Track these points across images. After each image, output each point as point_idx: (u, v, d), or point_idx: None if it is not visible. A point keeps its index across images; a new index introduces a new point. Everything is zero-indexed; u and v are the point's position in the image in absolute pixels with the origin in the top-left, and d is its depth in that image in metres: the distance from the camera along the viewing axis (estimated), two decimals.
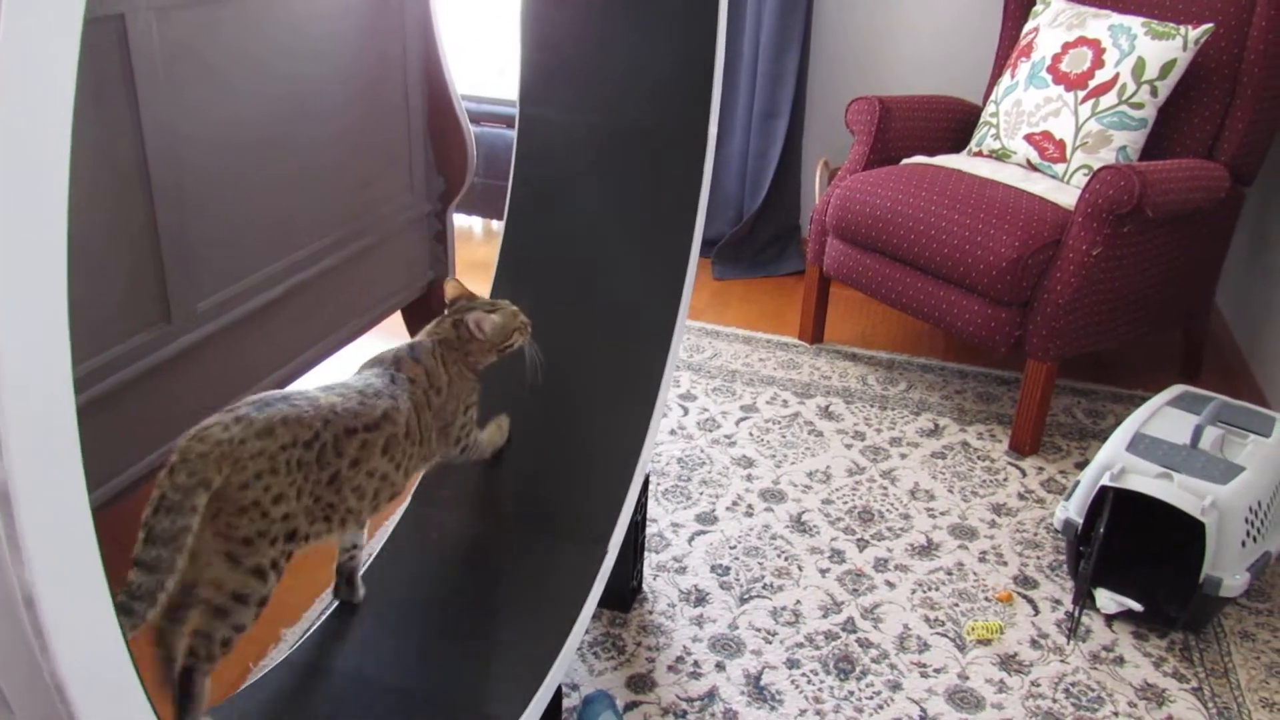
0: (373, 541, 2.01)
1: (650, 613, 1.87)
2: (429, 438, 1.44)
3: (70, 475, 0.75)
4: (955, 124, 2.89)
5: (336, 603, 1.57)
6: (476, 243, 3.74)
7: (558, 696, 1.50)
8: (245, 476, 1.15)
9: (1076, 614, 1.88)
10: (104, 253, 1.65)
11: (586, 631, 1.80)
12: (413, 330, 2.72)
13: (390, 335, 2.69)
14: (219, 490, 1.13)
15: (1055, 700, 1.70)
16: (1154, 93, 2.46)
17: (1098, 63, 2.51)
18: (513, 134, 1.87)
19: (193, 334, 1.84)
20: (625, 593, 1.85)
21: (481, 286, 1.75)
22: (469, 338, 1.50)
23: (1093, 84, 2.51)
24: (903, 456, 2.39)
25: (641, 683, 1.71)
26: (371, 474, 1.32)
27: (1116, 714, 1.68)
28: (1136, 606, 1.85)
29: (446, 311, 1.54)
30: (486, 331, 1.50)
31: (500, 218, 1.90)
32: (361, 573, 1.58)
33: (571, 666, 1.73)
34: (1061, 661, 1.79)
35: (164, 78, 1.70)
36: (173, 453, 1.14)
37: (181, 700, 1.20)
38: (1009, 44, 2.90)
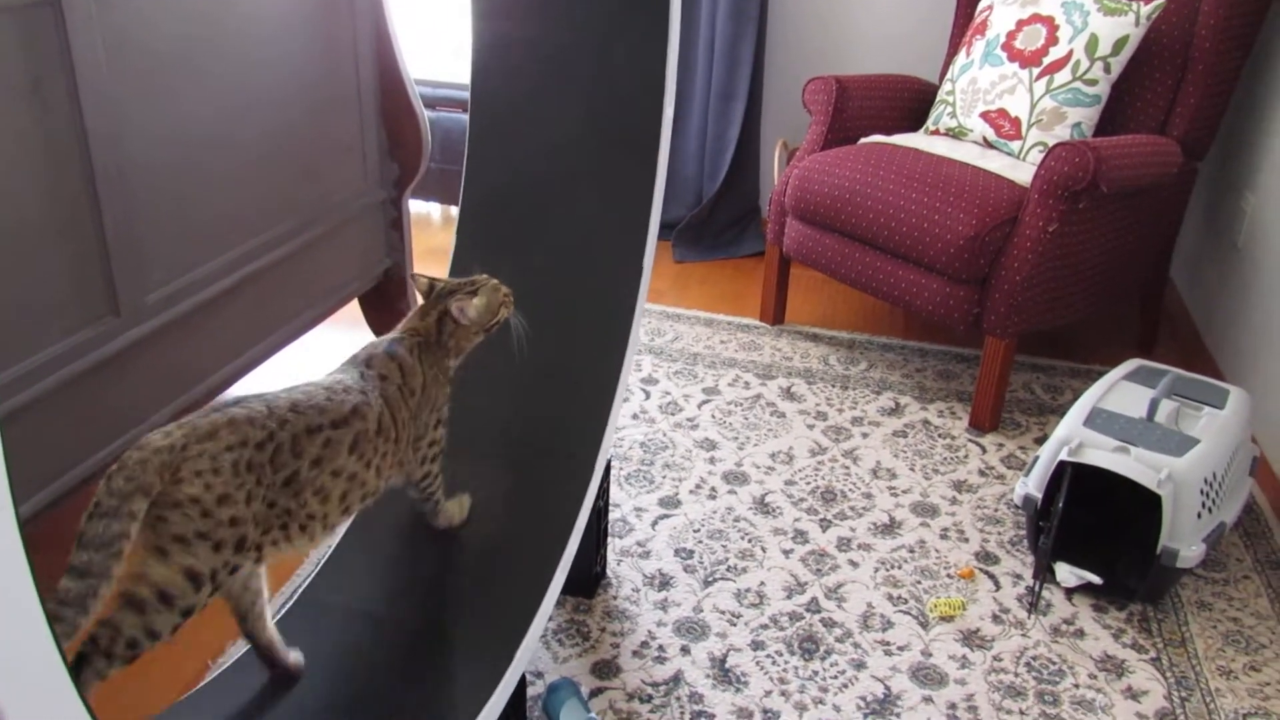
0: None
1: (614, 598, 1.86)
2: (405, 436, 1.40)
3: None
4: (912, 103, 2.89)
5: (295, 598, 1.55)
6: (435, 228, 3.70)
7: (522, 685, 1.49)
8: (183, 474, 1.11)
9: (1037, 588, 1.90)
10: (47, 246, 1.61)
11: (550, 619, 1.80)
12: (370, 319, 2.69)
13: (346, 325, 2.66)
14: (158, 493, 1.11)
15: (1017, 674, 1.72)
16: (1107, 69, 2.47)
17: (1051, 39, 2.52)
18: (468, 118, 1.85)
19: (142, 327, 1.80)
20: (589, 579, 1.85)
21: (440, 272, 1.73)
22: (453, 329, 1.47)
23: (1047, 61, 2.52)
24: (864, 436, 2.40)
25: (606, 669, 1.70)
26: (338, 474, 1.27)
27: (1077, 686, 1.70)
28: (1096, 579, 1.87)
29: (422, 304, 1.49)
30: (471, 316, 1.46)
31: (457, 203, 1.88)
32: (319, 568, 1.56)
33: (535, 654, 1.72)
34: (1023, 636, 1.81)
35: (106, 66, 1.65)
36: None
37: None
38: (964, 22, 2.91)
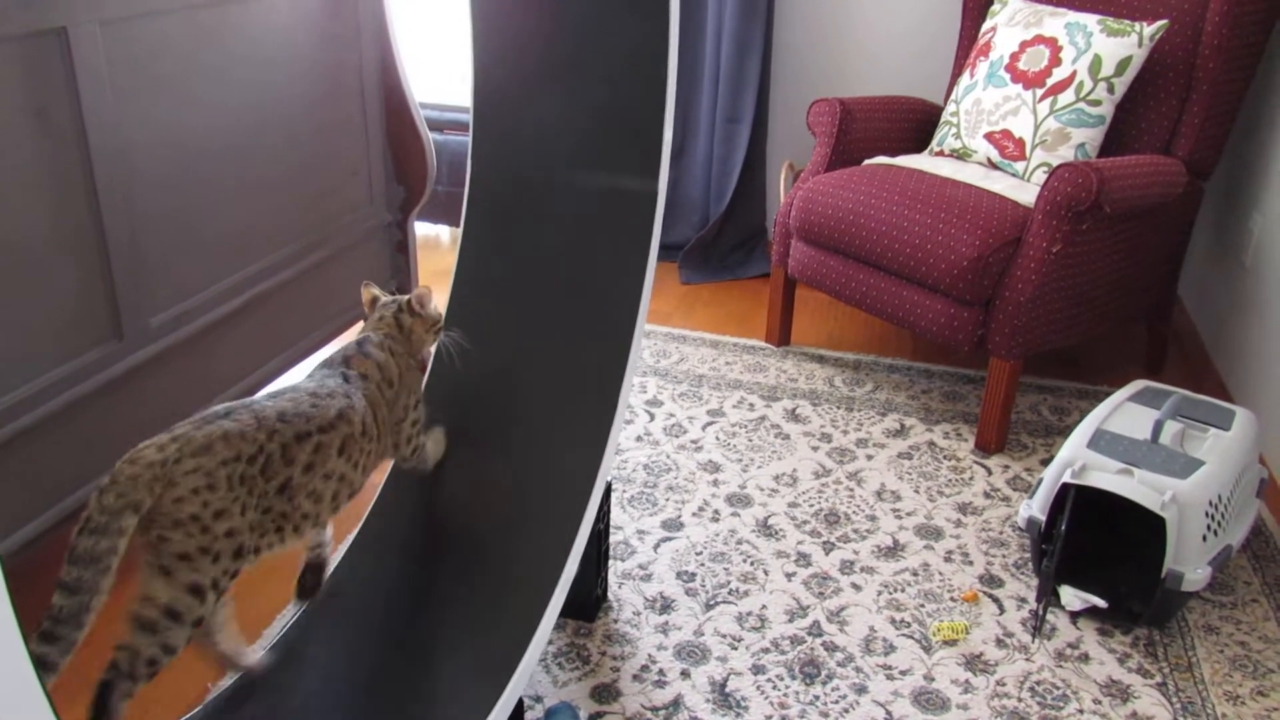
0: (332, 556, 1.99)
1: (615, 621, 1.85)
2: (385, 433, 1.43)
3: None
4: (916, 124, 2.90)
5: (292, 619, 1.55)
6: (443, 251, 3.72)
7: (520, 708, 1.48)
8: (180, 492, 1.13)
9: (1041, 612, 1.89)
10: (51, 270, 1.63)
11: (550, 642, 1.79)
12: None
13: None
14: (152, 508, 1.11)
15: (1020, 700, 1.70)
16: (1111, 89, 2.47)
17: (1055, 60, 2.52)
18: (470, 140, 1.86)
19: (146, 350, 1.81)
20: (589, 602, 1.84)
21: (442, 293, 1.74)
22: (409, 325, 1.52)
23: (1050, 82, 2.52)
24: (869, 458, 2.39)
25: (606, 693, 1.69)
26: (329, 476, 1.30)
27: (1082, 711, 1.68)
28: (1101, 603, 1.85)
29: (372, 313, 1.55)
30: (428, 307, 1.54)
31: None
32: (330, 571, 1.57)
33: (534, 678, 1.71)
34: (1027, 660, 1.79)
35: (111, 91, 1.67)
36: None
37: (95, 716, 1.16)
38: (968, 43, 2.92)
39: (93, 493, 1.11)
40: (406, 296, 1.55)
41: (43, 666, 1.03)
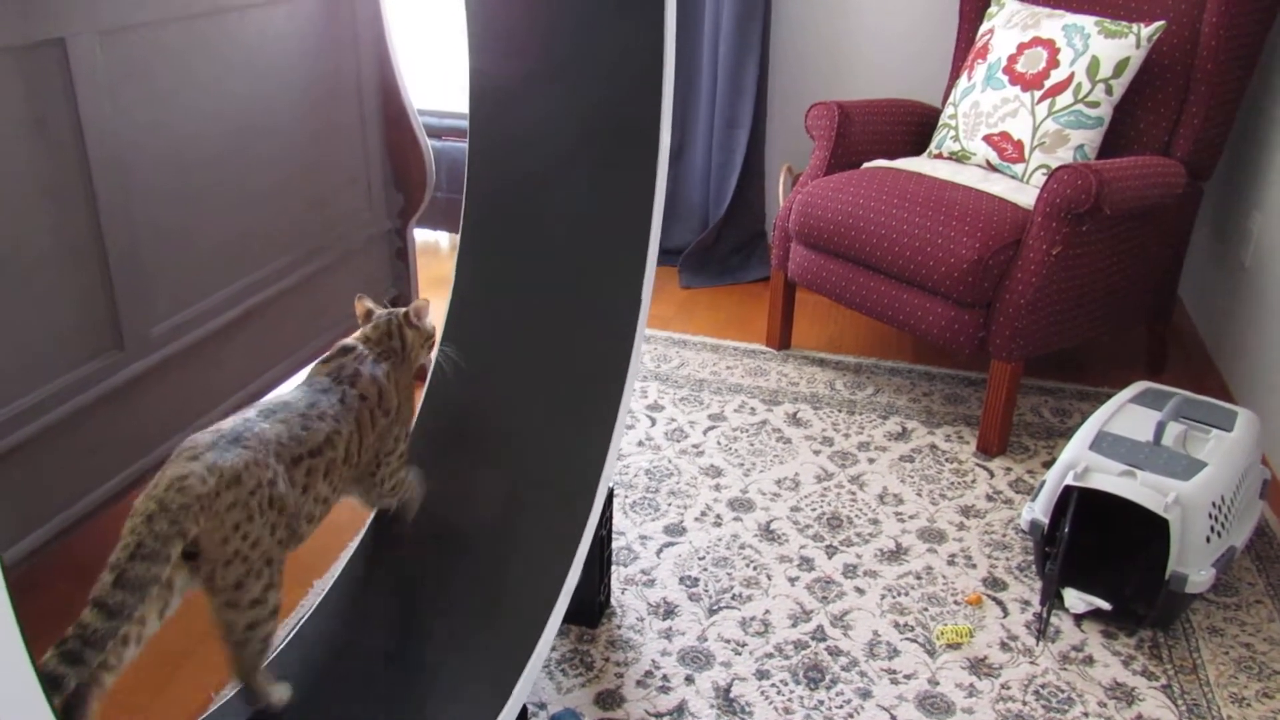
0: (333, 564, 1.98)
1: (618, 627, 1.85)
2: (363, 459, 1.44)
3: None
4: (915, 127, 2.90)
5: (296, 630, 1.55)
6: (442, 258, 3.72)
7: (524, 715, 1.48)
8: (225, 531, 1.18)
9: (1045, 614, 1.88)
10: (51, 279, 1.62)
11: (553, 648, 1.79)
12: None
13: None
14: (198, 542, 1.16)
15: (1025, 703, 1.70)
16: (1109, 91, 2.47)
17: (1053, 62, 2.52)
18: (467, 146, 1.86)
19: (146, 360, 1.81)
20: (592, 608, 1.84)
21: (441, 300, 1.74)
22: (407, 338, 1.53)
23: (1048, 84, 2.52)
24: (871, 461, 2.39)
25: (610, 699, 1.69)
26: (318, 499, 1.33)
27: (1086, 714, 1.68)
28: (1105, 605, 1.85)
29: (367, 328, 1.54)
30: (424, 320, 1.55)
31: None
32: (320, 599, 1.56)
33: (538, 684, 1.71)
34: (1031, 663, 1.79)
35: (110, 101, 1.67)
36: (146, 499, 1.14)
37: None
38: (965, 46, 2.92)
39: (137, 519, 1.13)
40: (404, 309, 1.54)
41: (54, 685, 1.03)
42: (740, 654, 1.79)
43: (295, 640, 1.56)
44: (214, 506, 1.16)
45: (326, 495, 1.35)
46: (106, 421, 1.75)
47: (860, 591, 1.95)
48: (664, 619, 1.87)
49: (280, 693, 1.38)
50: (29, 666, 0.72)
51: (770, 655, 1.79)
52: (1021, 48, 2.60)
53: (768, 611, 1.90)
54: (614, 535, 2.02)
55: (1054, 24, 2.57)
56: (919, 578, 1.99)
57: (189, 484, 1.15)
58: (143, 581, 1.09)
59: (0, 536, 1.55)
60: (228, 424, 1.26)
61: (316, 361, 1.47)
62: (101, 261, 1.71)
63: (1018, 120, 2.56)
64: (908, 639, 1.83)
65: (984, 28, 2.76)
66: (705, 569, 2.01)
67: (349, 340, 1.52)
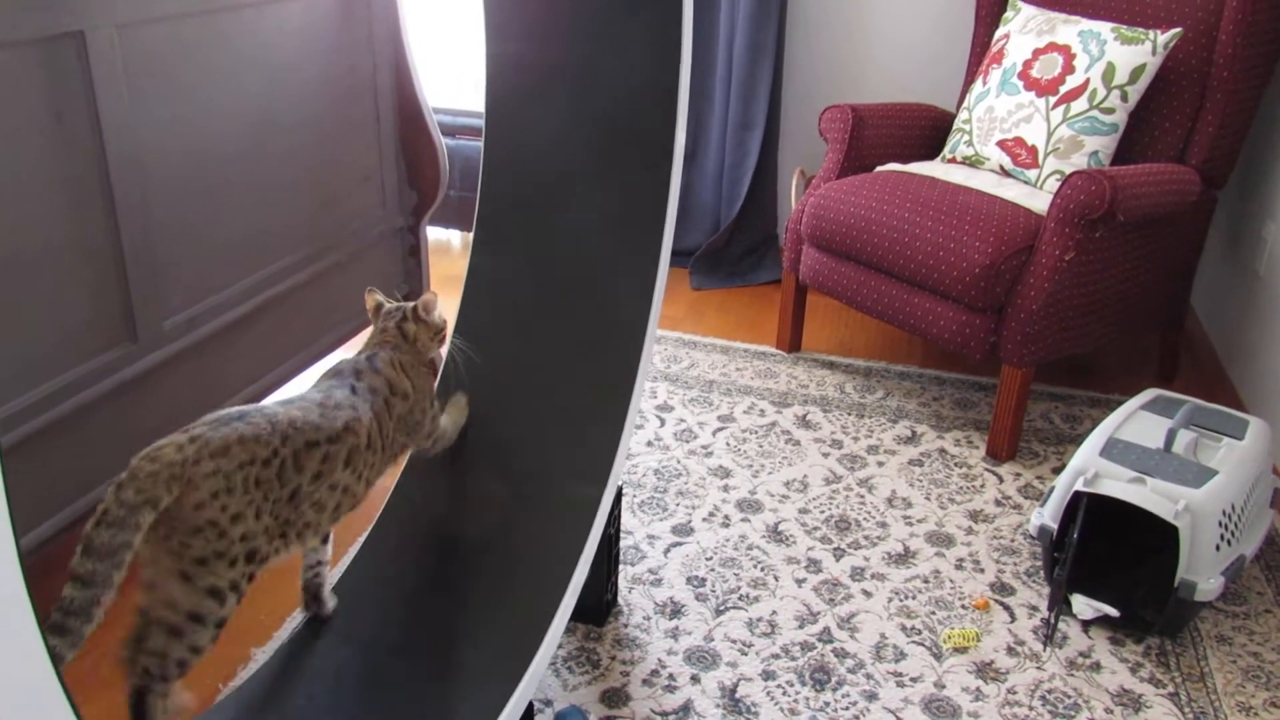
0: (341, 559, 1.99)
1: (625, 626, 1.85)
2: (390, 445, 1.44)
3: None
4: (928, 131, 2.89)
5: (301, 623, 1.55)
6: (454, 256, 3.73)
7: (529, 712, 1.48)
8: (200, 496, 1.14)
9: (1053, 620, 1.88)
10: (67, 272, 1.64)
11: (560, 646, 1.79)
12: None
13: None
14: (170, 510, 1.12)
15: (1031, 708, 1.70)
16: (1124, 98, 2.46)
17: (1068, 68, 2.52)
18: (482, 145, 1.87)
19: (160, 352, 1.82)
20: (599, 606, 1.84)
21: (453, 299, 1.74)
22: (414, 333, 1.53)
23: (1064, 89, 2.51)
24: (880, 464, 2.38)
25: (616, 697, 1.69)
26: (334, 487, 1.31)
27: None
28: (1113, 612, 1.84)
29: (377, 321, 1.55)
30: (433, 314, 1.55)
31: None
32: (329, 588, 1.57)
33: (544, 681, 1.71)
34: (1038, 668, 1.78)
35: (128, 94, 1.68)
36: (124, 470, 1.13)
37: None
38: (981, 51, 2.91)
39: (110, 487, 1.12)
40: (412, 304, 1.54)
41: (53, 660, 1.03)
42: (746, 654, 1.79)
43: (302, 634, 1.57)
44: (190, 474, 1.13)
45: (348, 484, 1.33)
46: (119, 414, 1.76)
47: (867, 594, 1.95)
48: (671, 618, 1.87)
49: None
50: (45, 654, 0.73)
51: (776, 656, 1.79)
52: (1037, 53, 2.59)
53: (774, 612, 1.90)
54: (622, 534, 2.02)
55: (1070, 30, 2.56)
56: (926, 581, 1.99)
57: (162, 452, 1.14)
58: (109, 548, 1.07)
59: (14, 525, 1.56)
60: (243, 406, 1.26)
61: (320, 376, 1.47)
62: (116, 254, 1.72)
63: (1032, 126, 2.55)
64: (914, 642, 1.83)
65: (999, 33, 2.76)
66: (712, 569, 2.01)
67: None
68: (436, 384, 1.82)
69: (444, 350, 1.74)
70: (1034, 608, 1.93)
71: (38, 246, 1.58)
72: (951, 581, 1.99)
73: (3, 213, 1.50)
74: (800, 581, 1.98)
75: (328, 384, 1.40)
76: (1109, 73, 2.46)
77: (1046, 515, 1.93)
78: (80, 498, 1.69)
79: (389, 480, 1.70)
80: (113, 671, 1.21)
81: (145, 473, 1.12)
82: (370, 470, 1.39)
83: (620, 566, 1.96)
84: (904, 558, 2.06)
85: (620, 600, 1.91)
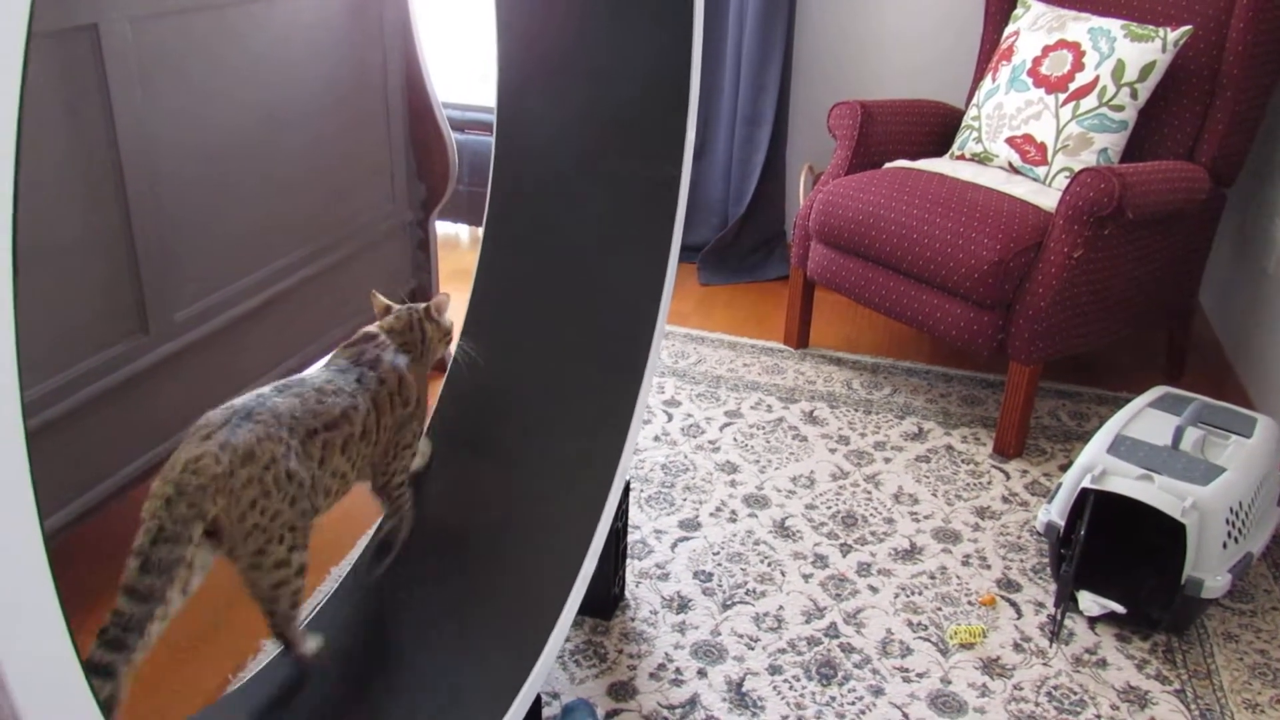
0: (349, 552, 2.00)
1: (632, 620, 1.86)
2: (383, 440, 1.45)
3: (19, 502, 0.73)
4: (937, 128, 2.89)
5: (313, 614, 1.56)
6: (463, 250, 3.74)
7: (537, 705, 1.49)
8: (242, 508, 1.19)
9: (1059, 617, 1.88)
10: (79, 263, 1.64)
11: (567, 640, 1.80)
12: None
13: None
14: (217, 521, 1.17)
15: (1038, 704, 1.70)
16: (1134, 95, 2.46)
17: (1078, 65, 2.52)
18: (493, 140, 1.87)
19: (171, 344, 1.83)
20: (607, 600, 1.85)
21: (463, 293, 1.75)
22: (424, 334, 1.55)
23: (1073, 86, 2.51)
24: (887, 461, 2.39)
25: (623, 690, 1.70)
26: (335, 474, 1.34)
27: (1099, 717, 1.68)
28: (1119, 609, 1.85)
29: (389, 318, 1.56)
30: (444, 315, 1.57)
31: None
32: (337, 585, 1.58)
33: (552, 674, 1.72)
34: (1044, 665, 1.79)
35: (140, 87, 1.69)
36: (162, 482, 1.16)
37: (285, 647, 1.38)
38: (990, 48, 2.91)
39: (153, 502, 1.15)
40: (424, 304, 1.56)
41: (105, 674, 1.06)
42: (753, 649, 1.80)
43: (312, 625, 1.58)
44: (229, 485, 1.17)
45: (344, 471, 1.36)
46: (130, 405, 1.77)
47: (874, 590, 1.96)
48: (678, 613, 1.88)
49: (312, 643, 1.40)
50: (72, 649, 0.74)
51: (783, 651, 1.80)
52: (1046, 50, 2.59)
53: (781, 607, 1.90)
54: (629, 529, 2.03)
55: (1080, 27, 2.56)
56: (933, 577, 2.00)
57: (204, 464, 1.17)
58: (168, 564, 1.12)
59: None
60: (240, 400, 1.27)
61: (340, 345, 1.49)
62: (129, 247, 1.72)
63: (1041, 123, 2.55)
64: (921, 638, 1.84)
65: (1009, 30, 2.76)
66: (719, 564, 2.02)
67: (372, 328, 1.54)
68: (443, 385, 1.83)
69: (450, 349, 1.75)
70: (1040, 604, 1.93)
71: (51, 239, 1.59)
72: (958, 578, 2.00)
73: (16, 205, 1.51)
74: (807, 577, 1.99)
75: (339, 365, 1.42)
76: (1119, 70, 2.46)
77: (1054, 512, 1.94)
78: (91, 489, 1.70)
79: None
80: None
81: (194, 486, 1.16)
82: (362, 460, 1.41)
83: (627, 561, 1.97)
84: (911, 554, 2.06)
85: (627, 594, 1.92)
